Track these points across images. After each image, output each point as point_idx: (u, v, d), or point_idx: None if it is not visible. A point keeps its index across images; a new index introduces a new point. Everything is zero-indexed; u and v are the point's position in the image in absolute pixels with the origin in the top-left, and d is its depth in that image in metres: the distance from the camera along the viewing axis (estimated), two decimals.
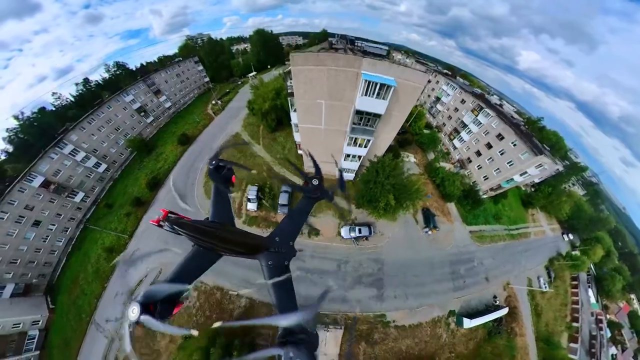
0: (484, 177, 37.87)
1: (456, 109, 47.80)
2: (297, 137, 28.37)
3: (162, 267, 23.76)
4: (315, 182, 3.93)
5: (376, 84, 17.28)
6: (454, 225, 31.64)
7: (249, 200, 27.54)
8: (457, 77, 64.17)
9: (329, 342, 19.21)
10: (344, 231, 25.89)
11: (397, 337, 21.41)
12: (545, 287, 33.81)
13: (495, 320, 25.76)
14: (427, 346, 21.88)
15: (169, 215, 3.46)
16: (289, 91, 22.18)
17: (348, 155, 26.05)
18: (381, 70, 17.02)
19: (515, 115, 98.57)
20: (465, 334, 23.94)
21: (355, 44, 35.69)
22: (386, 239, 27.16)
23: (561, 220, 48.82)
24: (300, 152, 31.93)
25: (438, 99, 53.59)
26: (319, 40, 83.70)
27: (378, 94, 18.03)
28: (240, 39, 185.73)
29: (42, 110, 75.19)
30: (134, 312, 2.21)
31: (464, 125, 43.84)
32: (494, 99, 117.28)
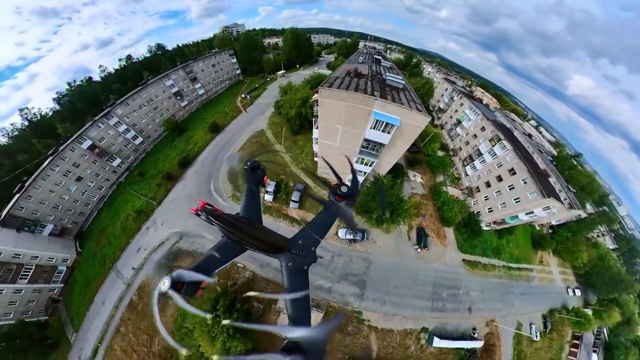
0: (488, 209, 38.92)
1: (475, 136, 48.58)
2: (315, 147, 33.59)
3: (183, 233, 28.84)
4: (343, 188, 3.99)
5: (383, 122, 21.47)
6: (447, 250, 33.33)
7: (266, 192, 32.37)
8: (485, 100, 64.15)
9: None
10: (341, 232, 29.69)
11: (368, 335, 23.99)
12: (537, 336, 32.61)
13: (469, 351, 26.84)
14: (394, 352, 24.01)
15: (206, 206, 3.79)
16: (315, 114, 27.71)
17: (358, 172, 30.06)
18: (389, 111, 20.94)
19: (548, 146, 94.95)
20: (434, 353, 25.53)
21: (381, 63, 39.10)
22: (377, 247, 29.89)
23: (578, 271, 45.19)
24: (316, 159, 36.86)
25: (459, 122, 54.35)
26: (347, 47, 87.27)
27: (384, 129, 22.43)
28: (272, 32, 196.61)
29: (89, 80, 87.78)
30: (165, 284, 2.50)
31: (479, 154, 44.92)
32: (529, 125, 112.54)
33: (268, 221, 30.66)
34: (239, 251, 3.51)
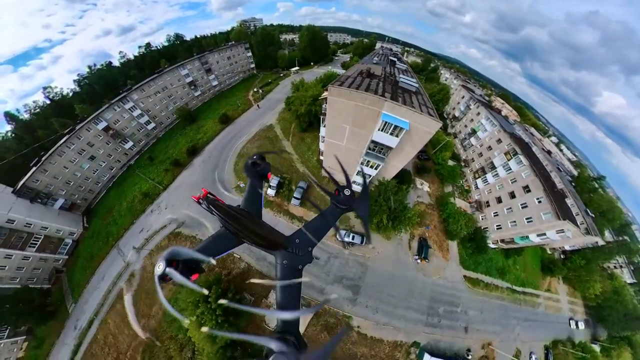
0: (497, 226, 37.97)
1: (490, 147, 47.39)
2: (322, 146, 33.86)
3: (185, 219, 30.04)
4: (347, 192, 3.95)
5: (392, 124, 21.35)
6: (448, 264, 32.79)
7: (269, 186, 33.18)
8: (504, 111, 62.11)
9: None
10: (340, 233, 29.72)
11: (356, 342, 23.91)
12: None
13: None
14: None
15: (208, 195, 3.85)
16: (323, 112, 27.77)
17: (359, 172, 29.99)
18: (399, 113, 20.80)
19: (569, 166, 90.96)
20: None
21: (396, 65, 39.07)
22: (375, 253, 29.88)
23: (589, 303, 43.02)
24: (322, 157, 36.99)
25: (474, 132, 53.12)
26: (363, 47, 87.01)
27: (392, 132, 22.26)
28: (289, 28, 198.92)
29: (109, 65, 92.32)
30: (159, 267, 2.59)
31: (493, 167, 43.88)
32: (549, 141, 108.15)
33: (268, 215, 31.27)
34: (236, 243, 3.57)
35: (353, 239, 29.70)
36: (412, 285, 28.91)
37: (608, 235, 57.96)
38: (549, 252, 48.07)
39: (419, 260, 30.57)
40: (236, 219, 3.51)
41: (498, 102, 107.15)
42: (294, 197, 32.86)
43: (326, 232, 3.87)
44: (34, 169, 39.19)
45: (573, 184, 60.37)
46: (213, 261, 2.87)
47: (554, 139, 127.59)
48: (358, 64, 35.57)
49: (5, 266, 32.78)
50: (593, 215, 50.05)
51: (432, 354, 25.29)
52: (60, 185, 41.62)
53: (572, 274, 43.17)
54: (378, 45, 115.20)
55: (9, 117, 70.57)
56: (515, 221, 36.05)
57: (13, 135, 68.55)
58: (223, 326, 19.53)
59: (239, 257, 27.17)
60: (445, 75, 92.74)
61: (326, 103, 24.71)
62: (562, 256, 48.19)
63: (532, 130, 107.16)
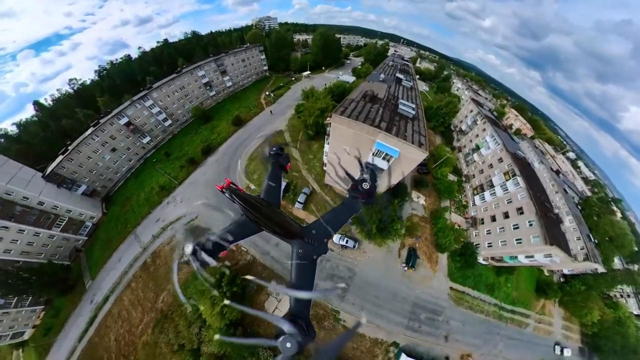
0: (488, 243, 40.76)
1: (491, 165, 49.24)
2: (325, 159, 38.65)
3: (199, 214, 34.90)
4: (365, 185, 4.21)
5: (384, 152, 25.63)
6: (436, 275, 36.00)
7: None
8: (517, 124, 61.90)
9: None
10: (335, 237, 33.56)
11: (340, 334, 27.78)
12: None
13: None
14: (361, 356, 27.32)
15: (231, 185, 4.21)
16: (327, 133, 32.53)
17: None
18: (391, 143, 25.02)
19: (582, 186, 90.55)
20: None
21: (402, 83, 43.15)
22: (366, 257, 33.64)
23: (585, 330, 43.24)
24: (325, 168, 41.63)
25: (478, 148, 54.86)
26: (375, 53, 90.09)
27: (384, 157, 26.51)
28: (303, 28, 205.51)
29: (128, 59, 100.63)
30: (188, 248, 2.94)
31: (491, 185, 46.19)
32: (563, 158, 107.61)
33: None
34: (255, 230, 3.84)
35: (347, 242, 33.64)
36: (396, 290, 32.52)
37: (617, 262, 58.35)
38: (546, 273, 49.22)
39: (406, 268, 34.11)
40: (256, 208, 3.85)
41: (512, 114, 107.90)
42: (298, 202, 37.08)
43: (342, 224, 4.18)
44: (62, 157, 45.29)
45: (580, 207, 61.65)
46: (230, 246, 3.31)
47: (571, 154, 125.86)
48: (364, 82, 39.81)
49: (34, 242, 38.58)
50: (596, 241, 51.50)
51: (409, 355, 28.49)
52: (84, 173, 47.64)
53: (567, 298, 44.34)
54: (391, 49, 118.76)
55: (37, 105, 78.89)
56: (505, 241, 38.47)
57: (36, 120, 76.56)
58: (232, 306, 23.97)
59: (245, 250, 31.79)
60: (457, 85, 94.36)
61: (330, 126, 29.35)
62: (561, 279, 49.30)
63: (546, 145, 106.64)
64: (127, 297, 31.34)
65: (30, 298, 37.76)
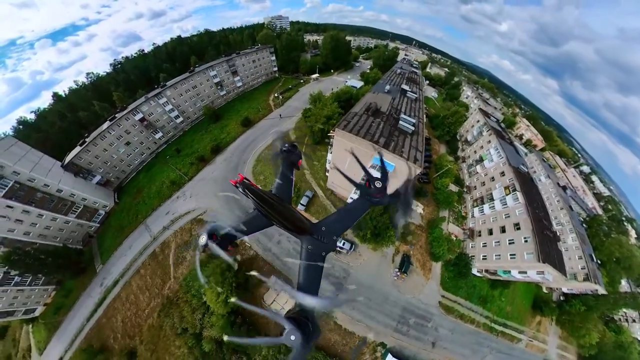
0: (483, 256, 42.69)
1: (493, 179, 50.36)
2: (327, 166, 42.20)
3: (208, 208, 38.28)
4: (378, 184, 4.38)
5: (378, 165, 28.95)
6: (428, 283, 38.23)
7: None
8: (528, 135, 59.53)
9: (290, 301, 29.73)
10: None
11: (332, 330, 30.50)
12: None
13: None
14: (350, 353, 30.15)
15: (244, 180, 4.38)
16: (330, 144, 35.58)
17: (356, 192, 37.85)
18: (387, 158, 28.05)
19: (592, 202, 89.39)
20: None
21: (407, 94, 46.01)
22: (361, 260, 36.23)
23: (582, 352, 43.82)
24: (327, 174, 44.65)
25: (481, 160, 55.94)
26: (385, 58, 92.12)
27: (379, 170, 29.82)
28: (314, 28, 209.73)
29: (142, 55, 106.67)
30: (202, 239, 3.24)
31: (491, 198, 47.64)
32: (574, 172, 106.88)
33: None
34: (267, 224, 4.13)
35: (343, 245, 36.40)
36: (387, 295, 34.99)
37: (625, 285, 57.94)
38: (544, 290, 49.97)
39: (398, 273, 36.63)
40: (268, 203, 4.08)
41: (523, 124, 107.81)
42: (300, 204, 40.19)
43: (352, 223, 4.38)
44: (80, 148, 49.76)
45: (585, 225, 62.04)
46: (242, 237, 3.65)
47: (585, 168, 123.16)
48: (369, 93, 42.86)
49: (51, 227, 42.77)
50: (599, 262, 52.10)
51: (396, 356, 30.84)
52: (99, 164, 52.03)
53: (565, 317, 45.12)
54: (401, 54, 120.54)
55: (56, 96, 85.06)
56: (499, 255, 39.92)
57: (54, 109, 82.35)
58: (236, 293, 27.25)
59: (249, 245, 35.00)
60: (467, 93, 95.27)
61: (333, 138, 32.58)
62: (561, 298, 49.94)
63: (556, 158, 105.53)
64: (136, 282, 34.93)
65: (44, 278, 41.82)
